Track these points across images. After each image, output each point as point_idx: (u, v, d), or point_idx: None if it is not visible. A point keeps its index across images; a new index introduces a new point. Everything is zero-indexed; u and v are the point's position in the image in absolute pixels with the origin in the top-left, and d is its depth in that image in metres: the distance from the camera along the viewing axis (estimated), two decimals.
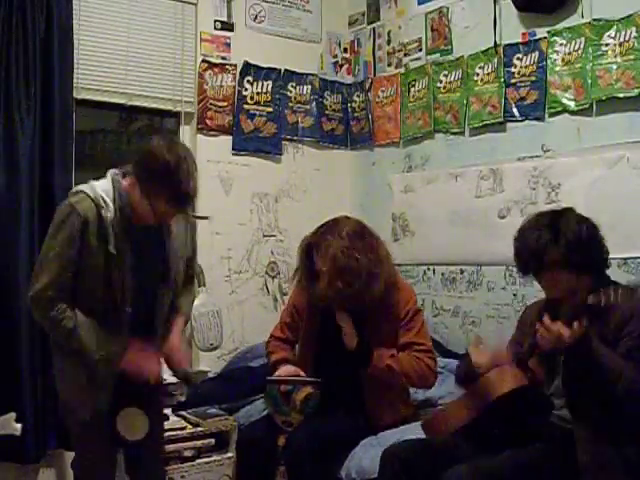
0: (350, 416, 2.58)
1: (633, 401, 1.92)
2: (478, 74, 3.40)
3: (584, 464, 1.97)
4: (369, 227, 2.66)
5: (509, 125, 3.28)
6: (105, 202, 2.08)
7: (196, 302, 2.93)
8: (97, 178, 2.19)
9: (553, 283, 2.09)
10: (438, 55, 3.61)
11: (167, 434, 2.79)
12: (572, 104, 3.01)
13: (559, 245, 2.03)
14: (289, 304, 2.89)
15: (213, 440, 2.94)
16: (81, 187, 2.14)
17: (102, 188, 2.12)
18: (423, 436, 2.27)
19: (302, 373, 2.64)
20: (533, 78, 3.16)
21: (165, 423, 2.83)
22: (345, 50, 4.12)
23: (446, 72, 3.55)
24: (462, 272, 3.46)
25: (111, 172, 2.19)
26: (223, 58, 3.67)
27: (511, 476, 2.00)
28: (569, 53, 3.02)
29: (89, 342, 2.09)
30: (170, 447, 2.81)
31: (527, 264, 2.12)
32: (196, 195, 2.09)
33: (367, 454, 2.46)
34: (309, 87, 3.95)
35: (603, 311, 1.96)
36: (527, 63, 3.18)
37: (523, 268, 2.15)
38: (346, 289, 2.46)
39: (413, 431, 2.46)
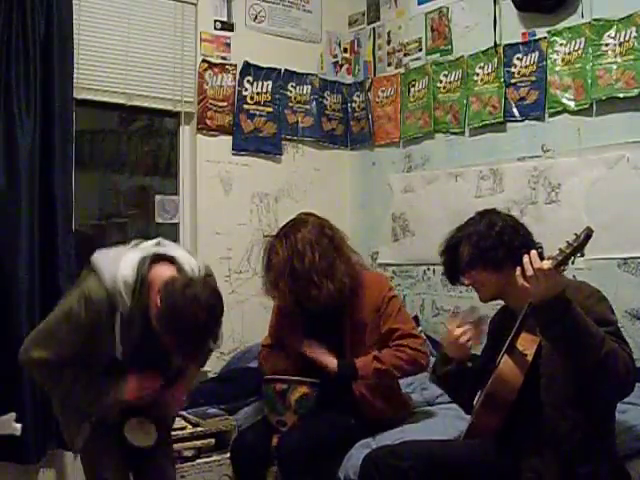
0: (344, 417, 2.55)
1: (608, 373, 1.77)
2: (478, 74, 3.40)
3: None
4: (329, 225, 2.61)
5: (509, 125, 3.28)
6: (122, 296, 1.99)
7: None
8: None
9: (476, 285, 2.13)
10: (438, 55, 3.61)
11: None
12: (572, 104, 3.01)
13: (464, 247, 2.11)
14: (273, 309, 2.83)
15: (213, 440, 2.93)
16: (103, 268, 2.03)
17: (124, 278, 1.99)
18: (421, 437, 2.27)
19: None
20: (533, 78, 3.16)
21: None
22: (345, 50, 4.12)
23: (446, 72, 3.55)
24: None
25: (139, 259, 2.03)
26: (223, 58, 3.67)
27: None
28: (569, 53, 3.02)
29: (89, 398, 2.10)
30: None
31: (447, 272, 2.25)
32: (210, 354, 2.13)
33: (364, 455, 2.44)
34: (309, 87, 3.95)
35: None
36: (527, 63, 3.18)
37: (447, 277, 2.28)
38: (289, 289, 2.49)
39: (410, 432, 2.46)
